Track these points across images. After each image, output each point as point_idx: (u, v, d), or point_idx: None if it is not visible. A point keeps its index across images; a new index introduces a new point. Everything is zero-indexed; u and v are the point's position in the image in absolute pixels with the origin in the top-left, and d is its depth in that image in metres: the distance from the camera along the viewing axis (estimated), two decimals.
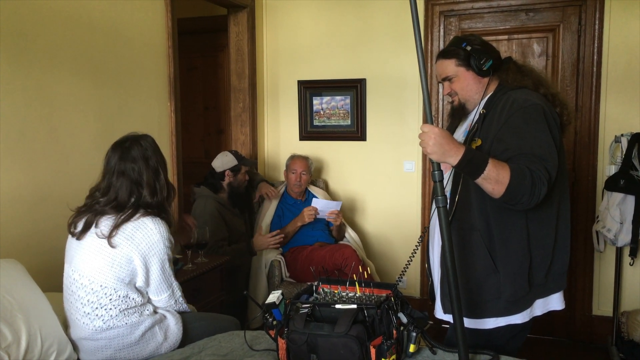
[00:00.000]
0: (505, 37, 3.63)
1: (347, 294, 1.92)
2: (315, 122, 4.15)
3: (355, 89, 3.99)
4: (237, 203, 3.59)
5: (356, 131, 4.05)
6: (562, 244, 1.96)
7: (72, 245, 2.05)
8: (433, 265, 2.10)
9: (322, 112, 4.13)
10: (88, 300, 1.96)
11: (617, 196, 3.15)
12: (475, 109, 2.00)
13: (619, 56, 3.36)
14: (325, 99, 4.10)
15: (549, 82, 2.01)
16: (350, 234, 3.81)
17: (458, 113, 2.07)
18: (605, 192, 3.27)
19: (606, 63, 3.39)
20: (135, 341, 2.00)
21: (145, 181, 2.03)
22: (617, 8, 3.34)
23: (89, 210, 2.02)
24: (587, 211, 3.50)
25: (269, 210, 3.69)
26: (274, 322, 1.81)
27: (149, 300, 2.09)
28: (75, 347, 2.01)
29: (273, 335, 1.83)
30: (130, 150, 2.05)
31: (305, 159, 3.77)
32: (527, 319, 1.95)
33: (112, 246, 1.94)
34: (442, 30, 3.76)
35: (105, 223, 1.97)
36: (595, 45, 3.40)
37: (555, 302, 2.01)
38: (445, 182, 1.71)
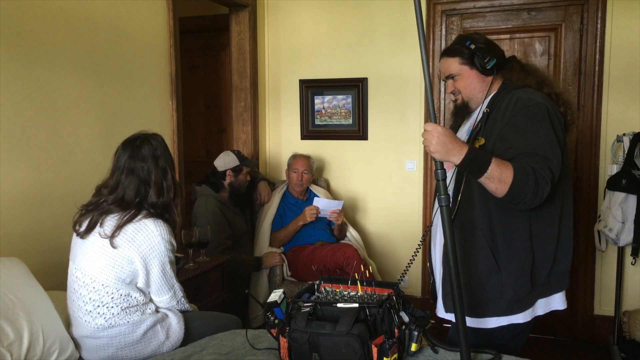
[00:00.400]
0: (507, 36, 3.63)
1: (348, 293, 1.92)
2: (317, 122, 4.15)
3: (356, 88, 3.99)
4: (238, 202, 3.59)
5: (358, 130, 4.05)
6: (564, 243, 1.95)
7: (77, 244, 2.05)
8: (435, 264, 2.10)
9: (323, 111, 4.13)
10: (90, 299, 1.97)
11: (619, 195, 3.15)
12: (479, 108, 2.00)
13: (621, 55, 3.36)
14: (327, 98, 4.10)
15: (553, 82, 2.00)
16: (351, 233, 3.81)
17: (461, 111, 2.07)
18: (607, 191, 3.26)
19: (608, 62, 3.39)
20: (137, 340, 2.00)
21: (153, 180, 2.03)
22: (619, 7, 3.34)
23: (95, 209, 2.02)
24: (589, 210, 3.50)
25: (271, 210, 3.69)
26: (276, 321, 1.82)
27: (151, 300, 2.09)
28: (77, 346, 2.02)
29: (275, 334, 1.83)
30: (141, 148, 2.05)
31: (307, 158, 3.77)
32: (529, 319, 1.95)
33: (113, 247, 1.95)
34: (444, 30, 3.75)
35: (110, 223, 1.98)
36: (598, 44, 3.39)
37: (557, 302, 2.01)
38: (448, 180, 1.71)
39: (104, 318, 1.96)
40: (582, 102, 3.47)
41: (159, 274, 2.03)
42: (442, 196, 1.64)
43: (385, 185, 4.02)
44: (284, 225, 3.66)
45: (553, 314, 2.03)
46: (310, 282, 2.33)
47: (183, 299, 2.16)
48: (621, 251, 3.34)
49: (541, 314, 2.00)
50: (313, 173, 3.82)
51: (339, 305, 1.78)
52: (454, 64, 2.01)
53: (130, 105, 2.95)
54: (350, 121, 4.06)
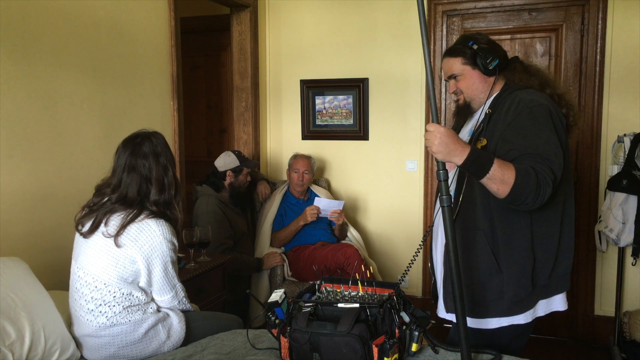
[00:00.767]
0: (508, 36, 3.64)
1: (349, 293, 1.92)
2: (318, 122, 4.16)
3: (357, 88, 4.00)
4: (239, 203, 3.60)
5: (359, 130, 4.05)
6: (566, 245, 1.95)
7: (79, 243, 2.06)
8: (436, 265, 2.10)
9: (324, 112, 4.13)
10: (92, 297, 1.97)
11: (620, 196, 3.15)
12: (481, 109, 2.00)
13: (622, 56, 3.36)
14: (328, 98, 4.10)
15: (556, 83, 2.00)
16: (352, 233, 3.81)
17: (463, 112, 2.07)
18: (607, 192, 3.26)
19: (609, 63, 3.39)
20: (138, 339, 2.00)
21: (155, 177, 2.04)
22: (620, 8, 3.34)
23: (100, 209, 2.03)
24: (590, 211, 3.50)
25: (272, 210, 3.69)
26: (277, 321, 1.82)
27: (152, 299, 2.09)
28: (78, 345, 2.02)
29: (276, 334, 1.83)
30: (142, 146, 2.06)
31: (307, 158, 3.77)
32: (530, 320, 1.95)
33: (117, 246, 1.95)
34: (444, 30, 3.76)
35: (114, 222, 1.98)
36: (598, 45, 3.39)
37: (558, 303, 2.01)
38: (449, 181, 1.71)
39: (106, 317, 1.97)
40: (582, 103, 3.47)
41: (161, 273, 2.03)
42: (444, 197, 1.64)
43: (386, 185, 4.03)
44: (285, 225, 3.66)
45: (553, 314, 2.02)
46: (311, 282, 2.34)
47: (185, 299, 2.16)
48: (622, 252, 3.34)
49: (542, 315, 2.00)
50: (314, 173, 3.83)
51: (339, 305, 1.78)
52: (456, 64, 2.01)
53: (132, 105, 2.96)
54: (351, 121, 4.07)
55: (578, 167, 3.52)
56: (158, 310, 2.09)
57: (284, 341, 1.79)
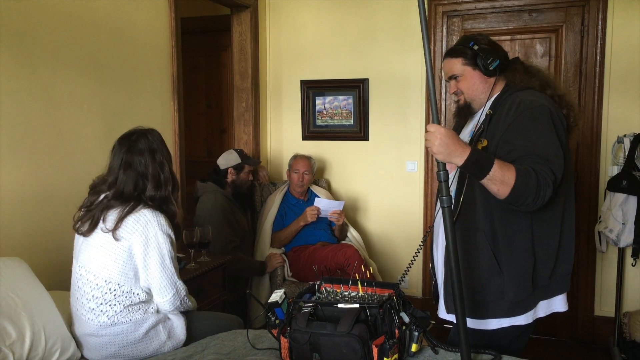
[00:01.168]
0: (508, 37, 3.64)
1: (349, 294, 1.93)
2: (318, 122, 4.16)
3: (358, 88, 4.00)
4: (241, 202, 3.60)
5: (359, 131, 4.05)
6: (566, 245, 1.95)
7: (79, 242, 2.07)
8: (437, 265, 2.10)
9: (324, 112, 4.13)
10: (93, 296, 1.98)
11: (620, 197, 3.15)
12: (481, 109, 2.00)
13: (622, 57, 3.36)
14: (328, 98, 4.11)
15: (556, 84, 2.00)
16: (352, 233, 3.81)
17: (464, 112, 2.07)
18: (607, 192, 3.27)
19: (609, 64, 3.39)
20: (139, 338, 2.00)
21: (151, 173, 2.04)
22: (620, 9, 3.34)
23: (97, 207, 2.03)
24: (590, 212, 3.50)
25: (272, 210, 3.70)
26: (277, 321, 1.82)
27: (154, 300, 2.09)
28: (79, 344, 2.03)
29: (276, 334, 1.84)
30: (137, 143, 2.07)
31: (308, 158, 3.77)
32: (530, 321, 1.95)
33: (116, 239, 1.95)
34: (445, 31, 3.76)
35: (111, 217, 1.98)
36: (598, 45, 3.39)
37: (558, 303, 2.01)
38: (450, 182, 1.71)
39: (107, 316, 1.97)
40: (582, 104, 3.47)
41: (157, 267, 2.00)
42: (445, 197, 1.64)
43: (386, 185, 4.03)
44: (285, 225, 3.66)
45: (554, 314, 2.03)
46: (311, 283, 2.34)
47: (186, 298, 2.14)
48: (622, 252, 3.34)
49: (542, 316, 2.00)
50: (314, 174, 3.83)
51: (339, 305, 1.78)
52: (457, 65, 2.01)
53: (132, 105, 2.96)
54: (351, 122, 4.07)
55: (578, 167, 3.52)
56: (159, 310, 2.09)
57: (284, 341, 1.79)
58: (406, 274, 2.13)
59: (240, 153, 3.56)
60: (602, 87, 3.42)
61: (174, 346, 2.08)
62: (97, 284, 1.98)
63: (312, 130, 4.18)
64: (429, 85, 1.65)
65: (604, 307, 3.56)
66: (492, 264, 1.89)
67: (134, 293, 2.01)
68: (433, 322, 1.85)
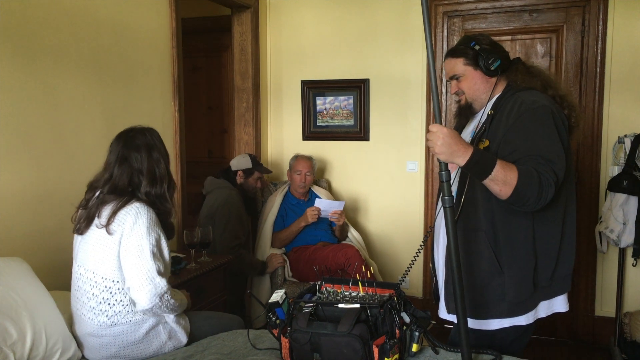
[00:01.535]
0: (509, 37, 3.64)
1: (350, 294, 1.93)
2: (319, 122, 4.16)
3: (358, 89, 4.00)
4: (246, 205, 3.62)
5: (359, 131, 4.05)
6: (567, 246, 1.95)
7: (77, 241, 2.07)
8: (438, 265, 2.10)
9: (325, 112, 4.13)
10: (92, 294, 1.97)
11: (620, 197, 3.15)
12: (483, 110, 2.00)
13: (623, 57, 3.36)
14: (329, 99, 4.11)
15: (558, 84, 2.00)
16: (353, 233, 3.81)
17: (465, 112, 2.07)
18: (608, 192, 3.26)
19: (609, 64, 3.39)
20: (139, 339, 2.00)
21: (146, 169, 2.03)
22: (620, 9, 3.34)
23: (93, 204, 2.03)
24: (590, 212, 3.50)
25: (272, 210, 3.70)
26: (277, 321, 1.82)
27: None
28: (79, 345, 2.03)
29: (276, 334, 1.84)
30: (135, 139, 2.06)
31: (309, 159, 3.77)
32: (531, 321, 1.95)
33: (109, 233, 1.94)
34: (445, 31, 3.76)
35: (105, 213, 1.97)
36: (599, 46, 3.39)
37: (559, 304, 2.01)
38: (451, 182, 1.71)
39: (107, 315, 1.97)
40: (583, 104, 3.47)
41: (134, 258, 1.92)
42: (446, 197, 1.64)
43: (387, 186, 4.03)
44: (286, 225, 3.66)
45: (554, 315, 2.03)
46: (311, 283, 2.34)
47: (167, 296, 1.97)
48: (622, 252, 3.34)
49: (543, 316, 2.00)
50: (315, 174, 3.83)
51: (340, 305, 1.78)
52: (458, 65, 2.01)
53: (133, 105, 2.96)
54: (351, 122, 4.07)
55: (579, 168, 3.52)
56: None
57: (285, 341, 1.79)
58: (407, 274, 2.13)
59: (254, 159, 3.61)
60: (603, 87, 3.42)
61: (174, 346, 2.08)
62: (95, 282, 1.98)
63: (312, 131, 4.19)
64: (431, 85, 1.65)
65: (605, 307, 3.56)
66: (493, 265, 1.89)
67: (126, 288, 2.00)
68: (433, 322, 1.85)
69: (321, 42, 4.06)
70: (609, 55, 3.38)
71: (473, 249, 1.92)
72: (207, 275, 2.81)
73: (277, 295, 1.85)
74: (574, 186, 1.99)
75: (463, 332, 1.66)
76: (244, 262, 3.34)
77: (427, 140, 1.72)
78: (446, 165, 1.67)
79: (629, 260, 3.33)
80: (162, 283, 1.95)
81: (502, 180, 1.70)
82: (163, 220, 2.06)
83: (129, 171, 2.02)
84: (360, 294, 1.91)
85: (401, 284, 1.98)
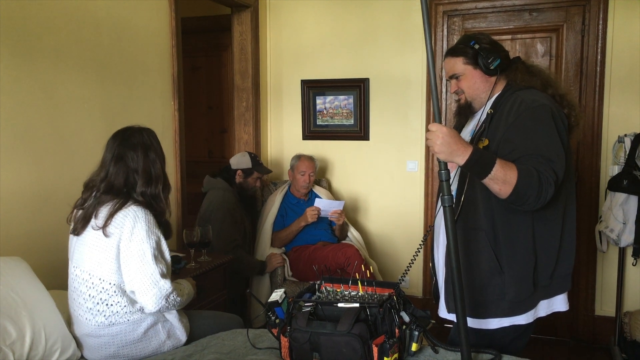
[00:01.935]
0: (509, 37, 3.64)
1: (349, 293, 1.93)
2: (319, 122, 4.16)
3: (358, 88, 4.00)
4: (244, 203, 3.60)
5: (359, 131, 4.05)
6: (567, 245, 1.95)
7: (72, 242, 2.06)
8: (438, 265, 2.10)
9: (325, 112, 4.13)
10: (89, 295, 1.97)
11: (620, 196, 3.15)
12: (482, 109, 2.00)
13: (623, 56, 3.36)
14: (329, 98, 4.11)
15: (558, 83, 2.00)
16: (352, 233, 3.81)
17: (464, 111, 2.07)
18: (608, 192, 3.26)
19: (610, 63, 3.39)
20: (138, 338, 2.00)
21: (142, 168, 2.02)
22: (621, 8, 3.34)
23: (90, 205, 2.02)
24: (590, 211, 3.50)
25: (272, 210, 3.70)
26: (277, 321, 1.82)
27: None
28: (78, 345, 2.03)
29: (276, 334, 1.84)
30: (131, 138, 2.06)
31: (312, 159, 3.76)
32: (531, 320, 1.95)
33: (106, 235, 1.93)
34: (445, 30, 3.76)
35: (102, 214, 1.97)
36: (599, 45, 3.39)
37: (559, 303, 2.01)
38: (450, 181, 1.71)
39: (104, 316, 1.96)
40: (583, 103, 3.47)
41: (137, 264, 1.92)
42: (446, 197, 1.64)
43: (387, 185, 4.03)
44: (286, 225, 3.66)
45: (554, 314, 2.02)
46: (311, 282, 2.34)
47: (173, 296, 2.00)
48: (622, 252, 3.34)
49: (543, 316, 2.00)
50: (316, 174, 3.83)
51: (339, 305, 1.78)
52: (458, 64, 2.01)
53: (133, 105, 2.96)
54: (351, 121, 4.07)
55: (579, 167, 3.52)
56: None
57: (284, 341, 1.79)
58: (406, 273, 2.13)
59: (254, 158, 3.58)
60: (603, 86, 3.41)
61: (173, 345, 2.08)
62: (92, 283, 1.97)
63: (312, 130, 4.18)
64: (430, 84, 1.65)
65: (605, 306, 3.56)
66: (493, 264, 1.89)
67: (128, 292, 2.00)
68: (433, 321, 1.85)
69: (321, 42, 4.06)
70: (609, 54, 3.38)
71: (473, 248, 1.92)
72: (207, 275, 2.81)
73: (277, 295, 1.85)
74: (574, 185, 1.99)
75: (463, 331, 1.66)
76: (242, 263, 3.33)
77: (426, 139, 1.72)
78: (445, 164, 1.67)
79: (629, 259, 3.33)
80: (166, 285, 1.96)
81: (501, 179, 1.70)
82: (158, 221, 2.05)
83: (124, 170, 2.01)
84: (359, 294, 1.91)
85: (401, 283, 1.98)
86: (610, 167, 3.36)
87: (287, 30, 4.16)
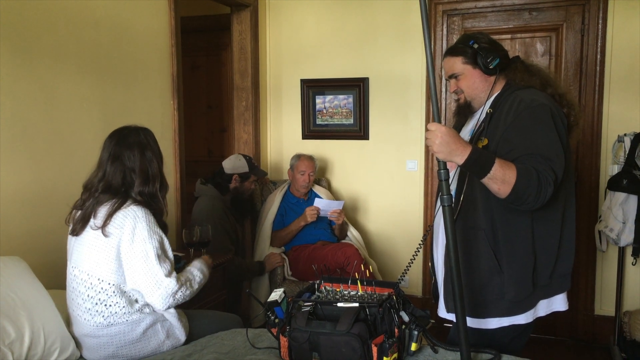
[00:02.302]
0: (509, 36, 3.64)
1: (349, 293, 1.92)
2: (318, 121, 4.16)
3: (358, 87, 3.99)
4: (239, 209, 3.54)
5: (359, 130, 4.05)
6: (567, 245, 1.95)
7: (71, 242, 2.06)
8: (437, 264, 2.10)
9: (324, 111, 4.13)
10: (88, 296, 1.97)
11: (620, 196, 3.15)
12: (482, 108, 2.00)
13: (622, 56, 3.36)
14: (328, 97, 4.10)
15: (557, 82, 2.00)
16: (352, 232, 3.81)
17: (463, 111, 2.07)
18: (607, 191, 3.26)
19: (609, 62, 3.39)
20: (136, 338, 2.00)
21: (139, 168, 2.02)
22: (620, 8, 3.34)
23: (88, 204, 2.02)
24: (590, 211, 3.50)
25: (272, 209, 3.69)
26: (276, 320, 1.82)
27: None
28: (77, 344, 2.02)
29: (275, 333, 1.83)
30: (128, 137, 2.06)
31: (312, 159, 3.76)
32: (530, 320, 1.95)
33: (105, 235, 1.93)
34: (445, 30, 3.75)
35: (101, 214, 1.96)
36: (599, 44, 3.39)
37: (558, 303, 2.01)
38: (450, 180, 1.71)
39: (103, 316, 1.96)
40: (583, 102, 3.47)
41: (141, 265, 1.93)
42: (445, 196, 1.64)
43: (387, 185, 4.03)
44: (285, 224, 3.66)
45: (554, 314, 2.02)
46: (310, 282, 2.33)
47: (181, 292, 1.99)
48: (622, 251, 3.34)
49: (543, 315, 1.99)
50: (316, 173, 3.83)
51: (339, 304, 1.78)
52: (457, 63, 2.01)
53: (132, 104, 2.96)
54: (351, 121, 4.07)
55: (578, 166, 3.52)
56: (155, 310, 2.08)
57: (284, 340, 1.79)
58: (406, 273, 2.13)
59: (249, 161, 3.47)
60: (603, 86, 3.41)
61: (173, 345, 2.08)
62: (91, 283, 1.97)
63: (312, 130, 4.18)
64: (430, 83, 1.65)
65: (604, 306, 3.56)
66: (493, 263, 1.89)
67: (127, 293, 2.00)
68: (433, 321, 1.85)
69: (321, 41, 4.06)
70: (608, 53, 3.38)
71: (472, 247, 1.92)
72: None
73: (276, 294, 1.85)
74: (574, 185, 1.99)
75: (462, 331, 1.66)
76: (240, 269, 3.28)
77: (425, 139, 1.72)
78: (445, 163, 1.67)
79: (629, 259, 3.33)
80: (171, 284, 1.96)
81: (500, 178, 1.70)
82: (157, 220, 2.05)
83: (121, 169, 2.01)
84: (359, 293, 1.91)
85: (400, 282, 1.98)
86: (610, 167, 3.36)
87: (286, 29, 4.15)
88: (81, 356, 2.03)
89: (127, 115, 2.90)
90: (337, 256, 3.38)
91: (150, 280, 1.94)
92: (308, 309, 1.78)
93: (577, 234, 2.06)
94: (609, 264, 3.51)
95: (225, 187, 3.44)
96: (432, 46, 3.74)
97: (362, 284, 1.93)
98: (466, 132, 2.07)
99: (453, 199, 1.74)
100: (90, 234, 1.97)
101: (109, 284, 1.96)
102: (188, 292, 2.04)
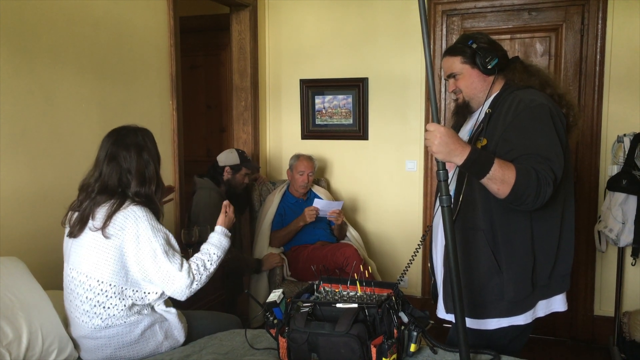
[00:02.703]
0: (508, 36, 3.63)
1: (348, 293, 1.92)
2: (317, 121, 4.15)
3: (357, 88, 3.99)
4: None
5: (358, 130, 4.04)
6: (566, 245, 1.95)
7: (68, 244, 2.04)
8: (436, 265, 2.09)
9: (324, 111, 4.13)
10: (86, 297, 1.96)
11: (619, 196, 3.14)
12: (480, 108, 2.00)
13: (622, 56, 3.36)
14: (328, 97, 4.10)
15: (556, 83, 1.99)
16: (351, 233, 3.80)
17: (462, 111, 2.07)
18: (607, 192, 3.26)
19: (609, 63, 3.38)
20: (135, 340, 1.99)
21: (135, 168, 2.01)
22: (620, 8, 3.33)
23: (85, 205, 2.01)
24: (589, 211, 3.50)
25: (271, 209, 3.69)
26: (275, 321, 1.82)
27: (160, 297, 2.06)
28: (76, 346, 2.02)
29: (274, 334, 1.83)
30: (125, 137, 2.05)
31: (311, 159, 3.75)
32: (529, 320, 1.95)
33: (106, 237, 1.92)
34: (444, 30, 3.75)
35: (99, 215, 1.96)
36: (598, 44, 3.39)
37: (558, 303, 2.01)
38: (449, 181, 1.71)
39: (101, 318, 1.96)
40: (582, 103, 3.47)
41: (151, 263, 1.94)
42: (444, 197, 1.64)
43: (386, 185, 4.02)
44: (284, 224, 3.65)
45: (553, 314, 2.02)
46: (309, 282, 2.33)
47: (198, 283, 2.00)
48: (621, 252, 3.34)
49: (542, 316, 1.99)
50: (315, 174, 3.82)
51: (338, 305, 1.78)
52: (455, 63, 2.01)
53: (131, 104, 2.95)
54: (350, 121, 4.06)
55: (578, 167, 3.52)
56: (154, 311, 2.07)
57: (282, 341, 1.79)
58: (405, 273, 2.12)
59: (241, 154, 3.55)
60: (602, 86, 3.41)
61: (171, 346, 2.07)
62: (90, 285, 1.96)
63: (311, 130, 4.18)
64: (429, 84, 1.65)
65: (604, 306, 3.55)
66: (492, 264, 1.89)
67: (126, 295, 1.99)
68: (432, 322, 1.85)
69: (320, 41, 4.06)
70: (608, 54, 3.38)
71: (471, 248, 1.91)
72: None
73: (275, 295, 1.85)
74: (573, 185, 1.99)
75: (461, 331, 1.65)
76: (237, 261, 3.31)
77: (424, 139, 1.72)
78: (444, 164, 1.66)
79: (628, 259, 3.33)
80: (183, 277, 1.96)
81: (500, 179, 1.70)
82: None
83: (117, 170, 2.00)
84: (358, 294, 1.91)
85: (399, 283, 1.97)
86: (610, 167, 3.35)
87: (286, 29, 4.15)
88: (79, 357, 2.02)
89: (126, 115, 2.90)
90: (336, 256, 3.38)
91: (164, 277, 1.96)
92: (307, 309, 1.78)
93: (576, 234, 2.05)
94: (608, 264, 3.51)
95: (219, 179, 3.52)
96: (432, 46, 3.74)
97: (361, 284, 1.92)
98: (465, 132, 2.07)
99: (452, 200, 1.74)
100: (89, 235, 1.96)
101: (110, 285, 1.96)
102: (204, 276, 2.03)
